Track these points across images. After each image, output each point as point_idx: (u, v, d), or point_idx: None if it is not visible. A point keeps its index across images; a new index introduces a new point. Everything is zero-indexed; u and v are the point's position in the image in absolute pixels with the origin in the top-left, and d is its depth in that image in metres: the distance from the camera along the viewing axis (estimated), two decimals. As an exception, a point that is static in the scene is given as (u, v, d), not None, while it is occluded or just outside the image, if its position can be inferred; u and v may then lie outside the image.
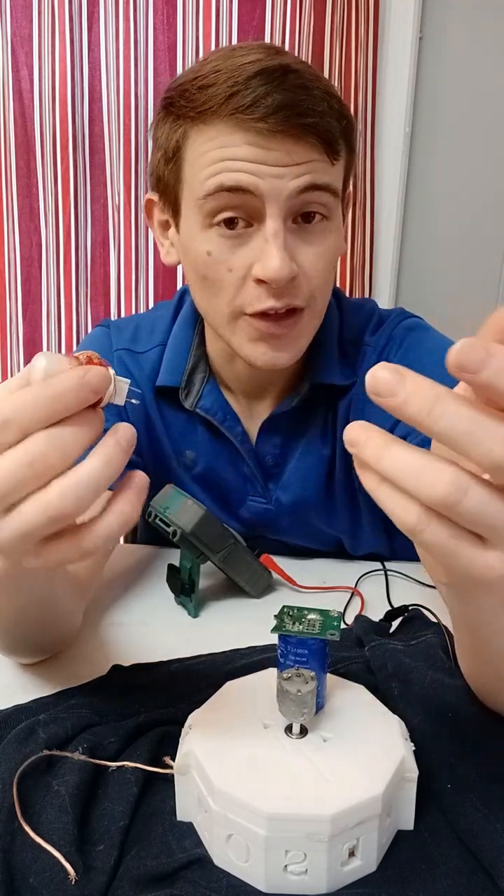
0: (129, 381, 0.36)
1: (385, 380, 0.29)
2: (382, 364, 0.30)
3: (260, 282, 0.63)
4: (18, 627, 0.53)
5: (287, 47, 1.59)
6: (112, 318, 1.75)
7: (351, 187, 0.73)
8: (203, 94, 0.60)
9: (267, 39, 1.59)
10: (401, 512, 0.31)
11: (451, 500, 0.29)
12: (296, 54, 1.58)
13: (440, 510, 0.30)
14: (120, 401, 0.36)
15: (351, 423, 0.32)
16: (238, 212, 0.62)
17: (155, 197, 0.71)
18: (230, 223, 0.62)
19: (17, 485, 0.33)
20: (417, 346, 0.76)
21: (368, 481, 0.32)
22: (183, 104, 0.62)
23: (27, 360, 1.78)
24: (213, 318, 0.69)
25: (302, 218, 0.63)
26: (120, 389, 0.36)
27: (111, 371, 0.35)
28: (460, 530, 0.30)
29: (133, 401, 0.37)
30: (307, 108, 0.59)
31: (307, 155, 0.60)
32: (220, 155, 0.60)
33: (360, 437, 0.31)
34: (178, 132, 0.63)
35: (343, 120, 0.63)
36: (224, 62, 0.60)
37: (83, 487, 0.33)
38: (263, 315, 0.64)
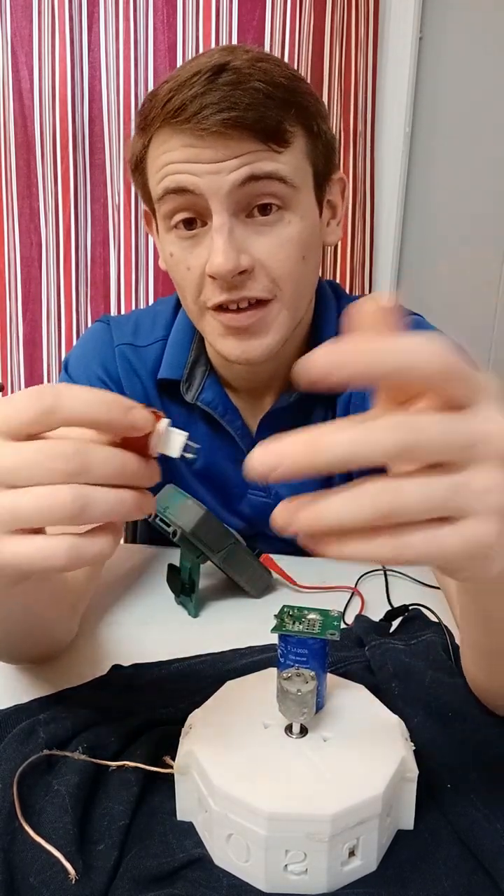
0: (186, 434, 0.35)
1: (262, 464, 0.30)
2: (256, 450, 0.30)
3: (213, 277, 0.64)
4: (5, 637, 0.53)
5: (287, 47, 1.59)
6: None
7: (348, 176, 0.73)
8: (150, 104, 0.63)
9: (267, 39, 1.59)
10: (371, 553, 0.30)
11: (396, 505, 0.29)
12: (296, 54, 1.58)
13: (396, 520, 0.29)
14: (174, 453, 0.36)
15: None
16: (190, 212, 0.64)
17: (147, 207, 0.73)
18: (188, 224, 0.65)
19: (31, 467, 0.33)
20: None
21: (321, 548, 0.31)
22: (139, 116, 0.66)
23: (27, 360, 1.78)
24: (190, 317, 0.72)
25: (259, 210, 0.64)
26: (173, 440, 0.35)
27: (165, 421, 0.35)
28: (426, 527, 0.30)
29: (188, 455, 0.36)
30: (233, 103, 0.59)
31: (242, 147, 0.61)
32: (164, 160, 0.63)
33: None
34: (139, 144, 0.67)
35: (291, 107, 0.63)
36: (176, 72, 0.63)
37: (98, 501, 0.33)
38: (224, 309, 0.66)
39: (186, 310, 0.71)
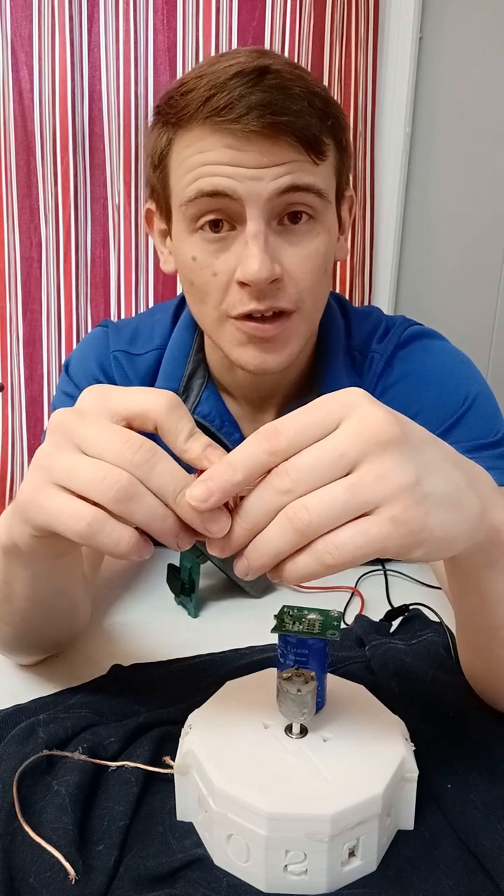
0: None
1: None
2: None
3: (243, 284, 0.62)
4: (30, 614, 0.52)
5: (287, 47, 1.59)
6: (112, 319, 1.74)
7: (352, 190, 0.72)
8: (183, 99, 0.60)
9: (267, 39, 1.59)
10: (315, 564, 0.34)
11: (308, 518, 0.33)
12: (296, 54, 1.58)
13: (317, 531, 0.34)
14: None
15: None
16: (220, 215, 0.62)
17: (152, 206, 0.71)
18: (214, 226, 0.63)
19: (105, 441, 0.37)
20: (422, 352, 0.76)
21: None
22: (167, 111, 0.63)
23: (27, 360, 1.78)
24: (203, 324, 0.69)
25: (289, 218, 0.63)
26: None
27: None
28: (350, 529, 0.34)
29: None
30: (282, 107, 0.58)
31: (286, 155, 0.60)
32: (199, 160, 0.61)
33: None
34: (163, 139, 0.64)
35: (328, 119, 0.62)
36: (208, 68, 0.61)
37: (144, 503, 0.36)
38: (249, 317, 0.64)
39: (202, 316, 0.68)
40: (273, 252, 0.62)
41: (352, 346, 0.77)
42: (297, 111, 0.59)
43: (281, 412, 0.76)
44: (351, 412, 0.35)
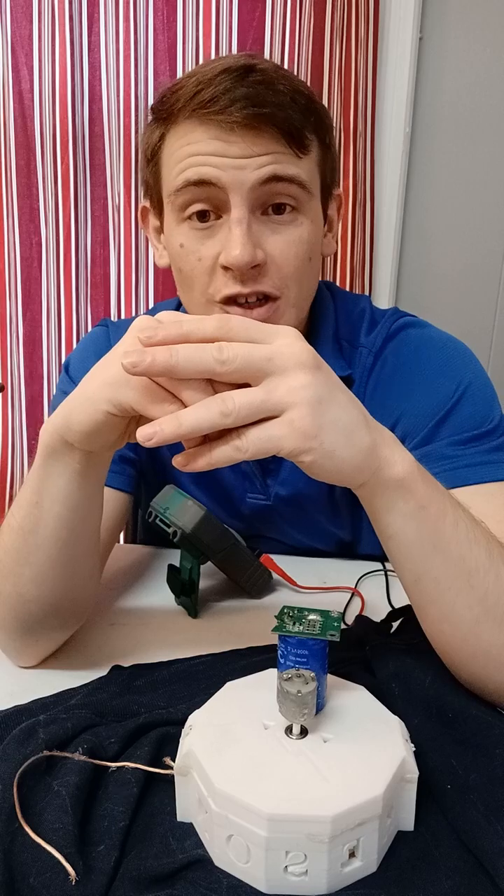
0: None
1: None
2: None
3: (227, 269, 0.64)
4: (55, 545, 0.54)
5: (287, 47, 1.59)
6: (112, 319, 1.75)
7: (341, 189, 0.73)
8: (174, 96, 0.64)
9: (267, 39, 1.59)
10: (226, 451, 0.43)
11: (229, 407, 0.41)
12: (296, 54, 1.58)
13: (234, 421, 0.42)
14: None
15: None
16: (207, 204, 0.64)
17: (147, 203, 0.74)
18: (202, 217, 0.65)
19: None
20: (411, 344, 0.75)
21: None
22: (159, 108, 0.66)
23: (27, 360, 1.78)
24: (192, 312, 0.71)
25: (273, 210, 0.65)
26: None
27: None
28: (260, 425, 0.42)
29: None
30: (265, 100, 0.61)
31: (269, 146, 0.62)
32: (187, 151, 0.64)
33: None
34: (156, 135, 0.67)
35: (311, 116, 0.65)
36: (199, 68, 0.64)
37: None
38: (234, 302, 0.66)
39: (190, 304, 0.70)
40: (256, 238, 0.64)
41: (339, 333, 0.77)
42: (279, 104, 0.62)
43: None
44: (285, 339, 0.43)
